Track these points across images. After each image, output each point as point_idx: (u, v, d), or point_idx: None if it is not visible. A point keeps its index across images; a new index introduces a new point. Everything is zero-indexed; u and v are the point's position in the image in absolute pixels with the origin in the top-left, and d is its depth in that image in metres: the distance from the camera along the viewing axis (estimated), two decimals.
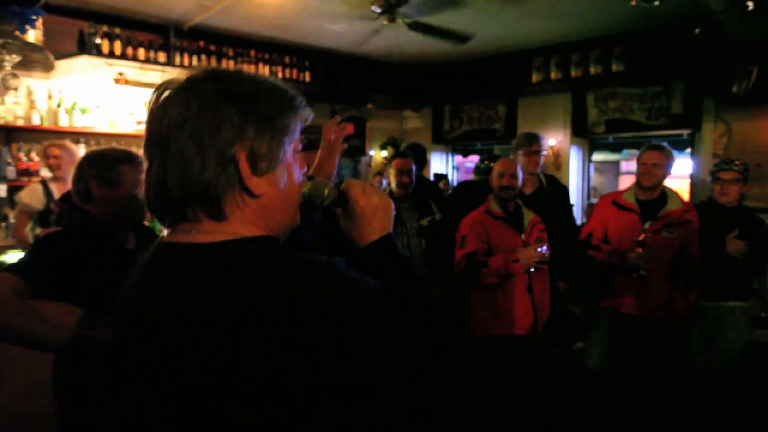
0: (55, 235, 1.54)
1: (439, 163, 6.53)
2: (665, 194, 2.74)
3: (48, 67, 3.89)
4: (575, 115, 5.29)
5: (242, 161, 0.70)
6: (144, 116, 0.75)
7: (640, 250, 2.58)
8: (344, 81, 5.66)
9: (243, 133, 0.70)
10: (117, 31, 4.21)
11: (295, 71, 5.27)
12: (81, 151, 4.05)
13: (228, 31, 4.77)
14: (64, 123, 4.19)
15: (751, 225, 2.78)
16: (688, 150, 4.78)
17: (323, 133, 1.23)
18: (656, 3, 2.49)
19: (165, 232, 0.76)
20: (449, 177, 6.36)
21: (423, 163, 3.98)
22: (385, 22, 3.64)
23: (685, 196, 4.31)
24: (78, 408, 1.43)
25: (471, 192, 3.36)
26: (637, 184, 2.78)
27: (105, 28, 4.16)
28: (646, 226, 2.65)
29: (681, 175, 4.71)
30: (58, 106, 4.19)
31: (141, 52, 4.33)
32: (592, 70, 4.90)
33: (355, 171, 6.44)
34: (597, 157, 5.67)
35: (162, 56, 4.46)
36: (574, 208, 4.26)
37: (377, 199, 0.88)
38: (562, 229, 3.03)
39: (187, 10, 4.21)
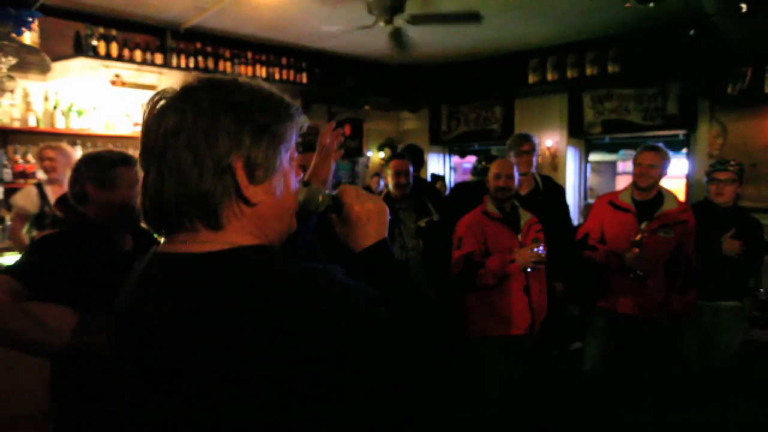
0: (51, 238, 1.54)
1: (437, 164, 6.54)
2: (661, 195, 2.76)
3: (44, 69, 3.88)
4: (572, 116, 5.31)
5: (239, 170, 0.70)
6: (140, 118, 0.75)
7: (636, 250, 2.59)
8: (341, 82, 5.66)
9: (239, 142, 0.70)
10: (113, 32, 4.20)
11: (292, 73, 5.27)
12: (77, 153, 4.04)
13: (225, 33, 4.77)
14: (60, 125, 4.18)
15: (747, 225, 2.79)
16: (684, 150, 4.81)
17: (319, 138, 1.23)
18: (651, 5, 2.50)
19: (162, 241, 0.76)
20: (446, 178, 6.37)
21: (420, 164, 3.98)
22: (382, 24, 3.64)
23: (681, 196, 4.33)
24: (74, 411, 1.42)
25: (468, 193, 3.37)
26: (634, 185, 2.79)
27: (101, 30, 4.15)
28: (643, 226, 2.66)
29: (677, 176, 4.73)
30: (55, 107, 4.18)
31: (137, 54, 4.32)
32: (588, 71, 4.92)
33: (353, 172, 6.44)
34: (594, 157, 5.69)
35: (158, 58, 4.45)
36: (571, 209, 4.27)
37: (372, 204, 0.88)
38: (558, 229, 3.04)
39: (184, 11, 4.21)
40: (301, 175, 0.83)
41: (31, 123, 4.08)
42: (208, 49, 4.73)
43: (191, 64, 4.60)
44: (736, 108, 4.23)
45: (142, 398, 0.72)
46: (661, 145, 2.77)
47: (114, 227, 1.55)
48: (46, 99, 4.18)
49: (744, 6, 2.49)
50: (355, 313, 0.68)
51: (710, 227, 2.75)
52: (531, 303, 2.60)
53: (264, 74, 5.06)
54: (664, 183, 2.82)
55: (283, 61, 5.20)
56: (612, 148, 5.60)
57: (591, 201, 5.16)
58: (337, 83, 5.62)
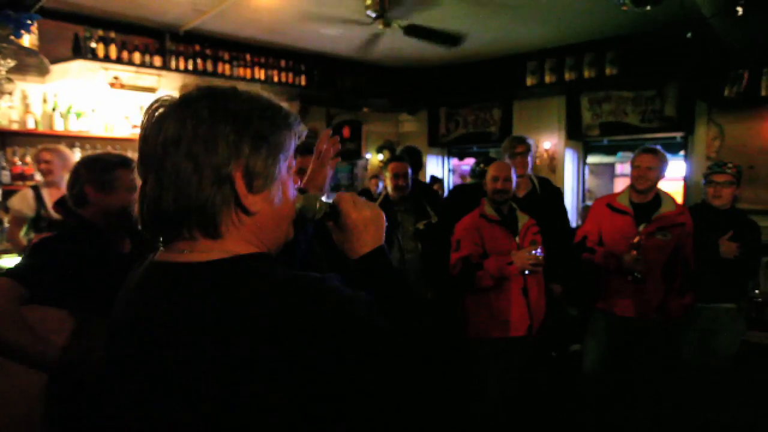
0: (51, 240, 1.54)
1: (435, 167, 6.55)
2: (659, 197, 2.76)
3: (43, 71, 3.88)
4: (570, 118, 5.32)
5: (238, 179, 0.70)
6: (139, 120, 0.75)
7: (634, 252, 2.60)
8: (340, 85, 5.67)
9: (238, 151, 0.70)
10: (112, 35, 4.20)
11: (290, 75, 5.28)
12: (76, 155, 4.04)
13: (223, 35, 4.78)
14: (59, 127, 4.18)
15: (744, 227, 2.80)
16: (682, 153, 4.82)
17: (316, 144, 1.23)
18: (648, 8, 2.51)
19: (160, 249, 0.76)
20: (445, 180, 6.38)
21: (419, 166, 3.99)
22: (380, 27, 3.65)
23: (679, 198, 4.34)
24: (68, 417, 1.42)
25: (467, 195, 3.38)
26: (632, 187, 2.80)
27: (100, 33, 4.15)
28: (641, 228, 2.67)
29: (675, 178, 4.74)
30: (53, 110, 4.18)
31: (136, 56, 4.32)
32: (586, 73, 4.94)
33: (351, 174, 6.45)
34: (592, 159, 5.70)
35: (157, 60, 4.46)
36: (569, 211, 4.28)
37: (369, 211, 0.88)
38: (556, 231, 3.05)
39: (183, 14, 4.22)
40: (299, 182, 0.83)
41: (30, 125, 4.08)
42: (207, 51, 4.73)
43: (190, 67, 4.61)
44: (733, 110, 4.25)
45: (139, 405, 0.72)
46: (658, 147, 2.78)
47: (112, 229, 1.56)
48: (44, 101, 4.18)
49: (740, 9, 2.51)
50: (354, 320, 0.68)
51: (708, 229, 2.75)
52: (529, 305, 2.61)
53: (263, 76, 5.06)
54: (662, 185, 2.82)
55: (282, 63, 5.21)
56: (610, 150, 5.61)
57: (589, 203, 5.17)
58: (336, 85, 5.63)
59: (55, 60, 3.92)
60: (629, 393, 2.82)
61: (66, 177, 1.56)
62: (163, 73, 4.46)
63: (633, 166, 2.77)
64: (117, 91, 4.36)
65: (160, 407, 0.69)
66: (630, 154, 3.04)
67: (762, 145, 4.16)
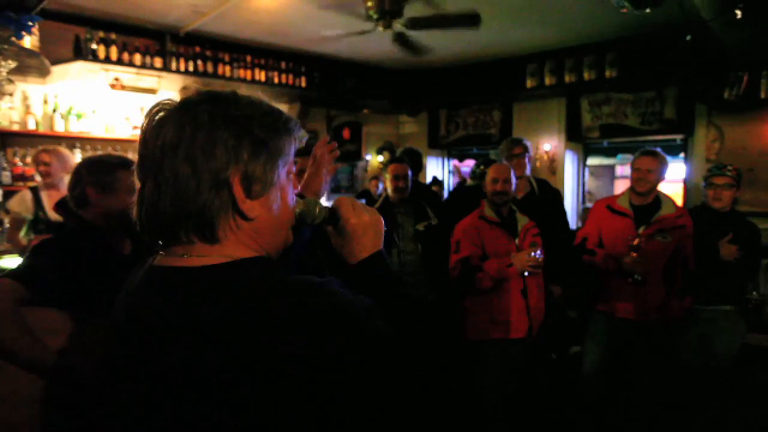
0: (52, 241, 1.54)
1: (435, 168, 6.56)
2: (659, 199, 2.77)
3: (44, 73, 3.89)
4: (570, 120, 5.33)
5: (236, 185, 0.70)
6: (140, 121, 0.75)
7: (634, 254, 2.60)
8: (340, 86, 5.67)
9: (237, 156, 0.70)
10: (113, 36, 4.21)
11: (291, 76, 5.28)
12: (76, 156, 4.05)
13: (224, 37, 4.79)
14: (59, 128, 4.19)
15: (744, 229, 2.80)
16: (682, 155, 4.83)
17: (313, 149, 1.23)
18: (647, 10, 2.52)
19: (159, 253, 0.76)
20: (445, 182, 6.38)
21: (419, 167, 4.00)
22: (381, 29, 3.65)
23: (679, 200, 4.35)
24: (66, 419, 1.42)
25: (467, 197, 3.38)
26: (632, 189, 2.80)
27: (101, 34, 4.16)
28: (640, 230, 2.67)
29: (675, 180, 4.75)
30: (54, 111, 4.19)
31: (137, 58, 4.33)
32: (586, 75, 4.95)
33: (352, 176, 6.46)
34: (592, 161, 5.70)
35: (158, 62, 4.47)
36: (569, 213, 4.28)
37: (367, 216, 0.88)
38: (555, 232, 3.05)
39: (183, 16, 4.22)
40: (298, 188, 0.83)
41: (31, 126, 4.08)
42: (208, 53, 4.74)
43: (190, 68, 4.61)
44: (733, 113, 4.26)
45: (137, 408, 0.72)
46: (658, 149, 2.79)
47: (113, 231, 1.56)
48: (45, 102, 4.19)
49: (739, 12, 2.52)
50: (355, 324, 0.68)
51: (708, 232, 2.76)
52: (529, 306, 2.61)
53: (263, 78, 5.07)
54: (662, 187, 2.83)
55: (282, 65, 5.22)
56: (610, 152, 5.62)
57: (589, 205, 5.18)
58: (336, 87, 5.64)
59: (56, 61, 3.92)
60: (629, 395, 2.82)
61: (65, 179, 1.57)
62: (164, 74, 4.47)
63: (633, 169, 2.77)
64: (117, 92, 4.37)
65: (158, 410, 0.69)
66: (630, 156, 3.05)
67: (762, 147, 4.17)
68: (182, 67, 4.57)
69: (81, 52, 4.09)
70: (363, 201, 3.77)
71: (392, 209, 3.08)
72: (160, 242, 0.75)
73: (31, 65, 3.59)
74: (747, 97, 4.02)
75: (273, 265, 0.76)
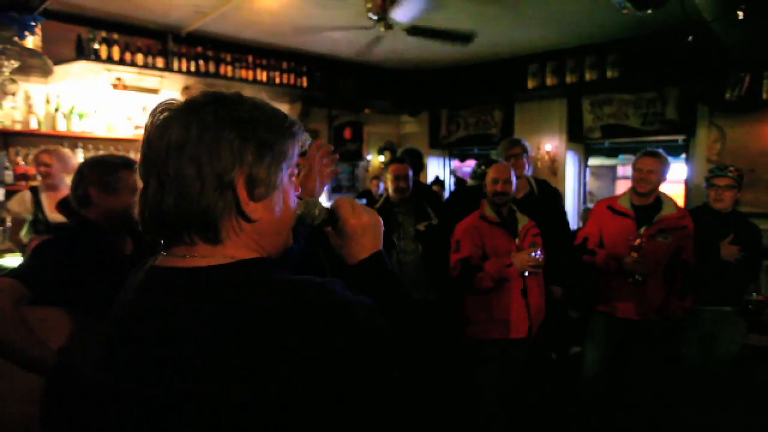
0: (54, 241, 1.55)
1: (437, 168, 6.56)
2: (660, 200, 2.77)
3: (46, 73, 3.90)
4: (571, 121, 5.33)
5: (240, 187, 0.70)
6: (142, 121, 0.75)
7: (635, 255, 2.60)
8: (342, 86, 5.68)
9: (242, 158, 0.70)
10: (115, 36, 4.22)
11: (292, 76, 5.29)
12: (78, 156, 4.06)
13: (226, 37, 4.80)
14: (61, 127, 4.20)
15: (745, 230, 2.80)
16: (683, 155, 4.82)
17: (307, 152, 1.23)
18: (649, 11, 2.52)
19: (161, 253, 0.76)
20: (446, 182, 6.38)
21: (420, 168, 4.00)
22: (382, 29, 3.66)
23: (680, 201, 4.34)
24: (66, 419, 1.43)
25: (468, 196, 3.38)
26: (633, 190, 2.80)
27: (103, 34, 4.18)
28: (641, 231, 2.67)
29: (676, 180, 4.75)
30: (56, 110, 4.20)
31: (139, 58, 4.34)
32: (587, 76, 4.95)
33: (353, 175, 6.47)
34: (593, 161, 5.70)
35: (160, 62, 4.48)
36: (570, 213, 4.28)
37: (367, 217, 0.88)
38: (555, 232, 3.05)
39: (185, 16, 4.23)
40: (299, 190, 0.84)
41: (33, 125, 4.10)
42: (210, 53, 4.75)
43: (192, 68, 4.63)
44: (734, 113, 4.25)
45: (137, 408, 0.72)
46: (660, 150, 2.78)
47: (115, 231, 1.57)
48: (47, 102, 4.20)
49: (740, 13, 2.52)
50: (356, 324, 0.68)
51: (709, 232, 2.76)
52: (529, 306, 2.61)
53: (265, 78, 5.08)
54: (664, 188, 2.83)
55: (284, 65, 5.22)
56: (611, 153, 5.62)
57: (590, 205, 5.17)
58: (338, 87, 5.65)
59: (58, 61, 3.94)
60: (629, 395, 2.82)
61: (65, 180, 1.58)
62: (166, 74, 4.48)
63: (634, 169, 2.77)
64: (119, 92, 4.39)
65: (158, 410, 0.69)
66: (631, 157, 3.05)
67: (763, 148, 4.17)
68: (184, 67, 4.58)
69: (83, 52, 4.10)
70: (364, 201, 3.78)
71: (393, 209, 3.09)
72: (162, 242, 0.75)
73: (34, 65, 3.60)
74: (748, 97, 4.02)
75: (274, 266, 0.77)
